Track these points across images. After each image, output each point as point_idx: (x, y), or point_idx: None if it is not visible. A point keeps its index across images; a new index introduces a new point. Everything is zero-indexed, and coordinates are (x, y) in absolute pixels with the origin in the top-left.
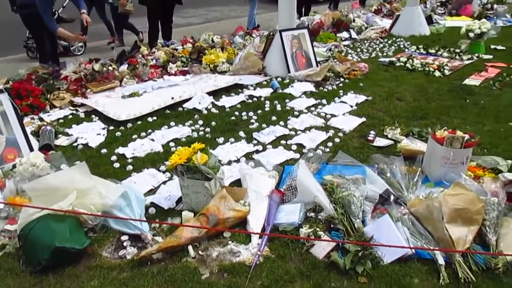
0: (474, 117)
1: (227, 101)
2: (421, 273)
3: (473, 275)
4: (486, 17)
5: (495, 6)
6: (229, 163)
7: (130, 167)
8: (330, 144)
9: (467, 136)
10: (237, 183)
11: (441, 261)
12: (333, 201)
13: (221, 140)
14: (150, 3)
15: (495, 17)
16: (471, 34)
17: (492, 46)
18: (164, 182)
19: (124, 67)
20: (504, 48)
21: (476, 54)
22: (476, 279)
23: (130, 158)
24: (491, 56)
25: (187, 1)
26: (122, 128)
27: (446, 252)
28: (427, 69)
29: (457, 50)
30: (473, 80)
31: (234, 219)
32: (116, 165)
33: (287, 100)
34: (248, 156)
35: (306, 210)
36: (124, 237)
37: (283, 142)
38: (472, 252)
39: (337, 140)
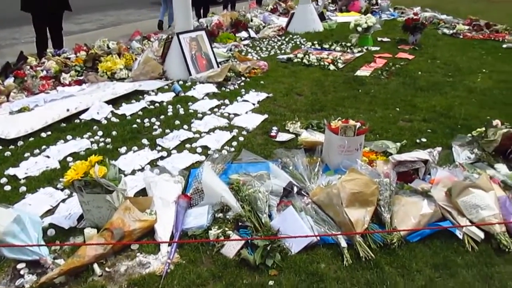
0: (367, 105)
1: (127, 109)
2: (326, 257)
3: (372, 253)
4: (372, 12)
5: (379, 1)
6: (133, 172)
7: (23, 188)
8: (234, 143)
9: (358, 124)
10: (143, 192)
11: (343, 244)
12: (240, 199)
13: (123, 149)
14: (34, 10)
15: (380, 11)
16: (359, 29)
17: (379, 39)
18: (63, 200)
19: (10, 81)
20: (389, 40)
21: (365, 47)
22: (376, 255)
23: (23, 178)
24: (378, 48)
25: (80, 6)
26: (12, 147)
27: (347, 235)
28: (322, 63)
29: (348, 44)
30: (363, 71)
31: (141, 229)
32: (7, 188)
33: (190, 103)
34: (153, 164)
35: (214, 211)
36: (20, 265)
37: (188, 145)
38: (370, 232)
39: (241, 138)
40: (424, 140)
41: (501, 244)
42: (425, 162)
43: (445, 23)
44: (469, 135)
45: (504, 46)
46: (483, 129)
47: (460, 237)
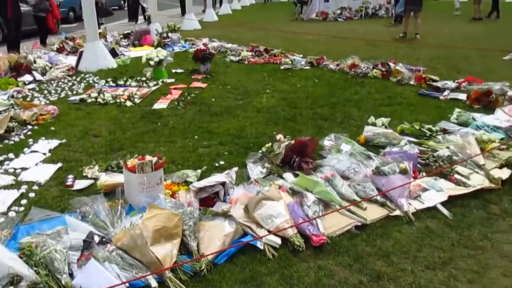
0: (166, 137)
1: None
2: None
3: (184, 285)
4: (165, 45)
5: (170, 34)
6: None
7: None
8: (24, 201)
9: (155, 159)
10: None
11: (153, 283)
12: (34, 264)
13: None
14: None
15: (172, 44)
16: (151, 62)
17: (173, 70)
18: None
19: None
20: (183, 70)
21: (161, 80)
22: (188, 287)
23: None
24: (173, 80)
25: None
26: None
27: (157, 273)
28: (118, 100)
29: (143, 78)
30: (161, 104)
31: None
32: None
33: None
34: None
35: (2, 286)
36: None
37: None
38: (178, 265)
39: (32, 195)
40: (222, 162)
41: (295, 245)
42: (223, 184)
43: (231, 51)
44: (260, 151)
45: (282, 67)
46: (270, 144)
47: (262, 248)
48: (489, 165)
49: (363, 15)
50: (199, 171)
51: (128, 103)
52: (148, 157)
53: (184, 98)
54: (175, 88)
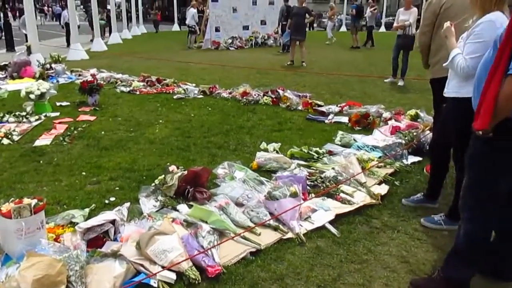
0: (50, 176)
1: None
2: None
3: None
4: (48, 76)
5: (53, 65)
6: None
7: None
8: None
9: (35, 201)
10: None
11: None
12: None
13: None
14: None
15: (56, 75)
16: (32, 96)
17: (58, 103)
18: None
19: None
20: (69, 103)
21: (44, 114)
22: None
23: None
24: (58, 113)
25: None
26: None
27: None
28: None
29: (23, 113)
30: (43, 140)
31: None
32: None
33: None
34: None
35: None
36: None
37: None
38: None
39: None
40: (113, 199)
41: (190, 279)
42: (113, 221)
43: (122, 82)
44: (153, 184)
45: (175, 97)
46: (163, 176)
47: (156, 285)
48: (370, 182)
49: (253, 44)
50: (87, 210)
51: (5, 141)
52: (26, 200)
53: (70, 133)
54: (60, 122)
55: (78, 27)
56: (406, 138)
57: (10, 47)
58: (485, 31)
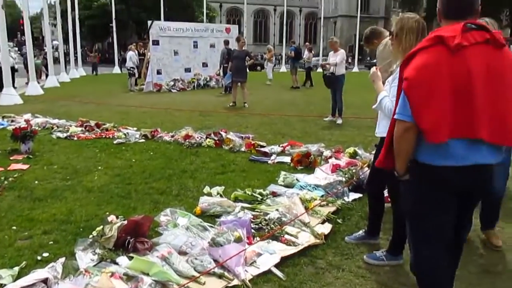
0: None
1: None
2: None
3: None
4: None
5: None
6: None
7: None
8: None
9: None
10: None
11: None
12: None
13: None
14: None
15: None
16: None
17: None
18: None
19: None
20: (0, 151)
21: None
22: None
23: None
24: None
25: None
26: None
27: None
28: None
29: None
30: None
31: None
32: None
33: None
34: None
35: None
36: None
37: None
38: None
39: None
40: (46, 254)
41: None
42: (46, 280)
43: (58, 127)
44: (90, 236)
45: (115, 142)
46: (101, 227)
47: None
48: (313, 221)
49: (195, 86)
50: (16, 269)
51: None
52: None
53: (0, 183)
54: None
55: (15, 70)
56: (346, 175)
57: None
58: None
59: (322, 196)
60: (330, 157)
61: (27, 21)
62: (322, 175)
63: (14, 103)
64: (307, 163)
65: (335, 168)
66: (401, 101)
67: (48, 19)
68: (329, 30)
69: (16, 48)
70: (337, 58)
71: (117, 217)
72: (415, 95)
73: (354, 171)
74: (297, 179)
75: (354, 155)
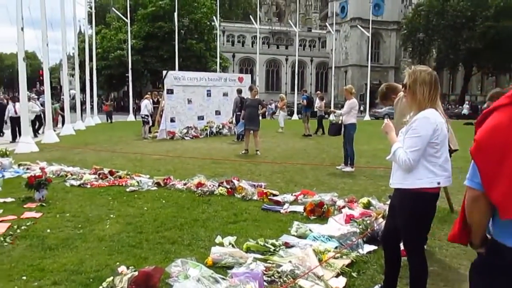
0: None
1: None
2: None
3: None
4: None
5: (0, 159)
6: None
7: None
8: None
9: None
10: None
11: None
12: None
13: None
14: None
15: (2, 170)
16: None
17: (1, 200)
18: None
19: None
20: (13, 199)
21: None
22: None
23: None
24: (1, 211)
25: None
26: None
27: None
28: None
29: None
30: None
31: None
32: None
33: None
34: None
35: None
36: None
37: None
38: None
39: None
40: None
41: None
42: None
43: (72, 175)
44: (100, 287)
45: (128, 190)
46: (111, 278)
47: None
48: (327, 275)
49: (208, 133)
50: None
51: None
52: None
53: (13, 232)
54: (2, 221)
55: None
56: (361, 226)
57: None
58: (420, 127)
59: (336, 247)
60: (344, 207)
61: (47, 72)
62: (335, 226)
63: (31, 151)
64: (320, 213)
65: (349, 219)
66: (472, 165)
67: (67, 69)
68: (340, 79)
69: (37, 97)
70: (344, 107)
71: (127, 268)
72: (484, 160)
73: (368, 222)
74: (310, 230)
75: (368, 205)
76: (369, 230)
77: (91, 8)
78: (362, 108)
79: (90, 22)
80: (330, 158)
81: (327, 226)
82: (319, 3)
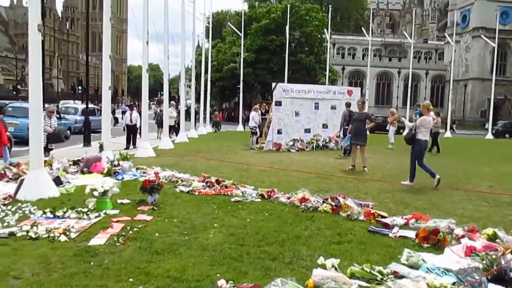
0: (97, 280)
1: None
2: None
3: None
4: (115, 173)
5: (121, 162)
6: None
7: None
8: None
9: None
10: None
11: None
12: None
13: None
14: None
15: (122, 172)
16: (95, 193)
17: (119, 201)
18: None
19: None
20: (129, 201)
21: (104, 211)
22: None
23: None
24: (117, 211)
25: None
26: None
27: None
28: (52, 234)
29: (85, 210)
30: (98, 239)
31: None
32: None
33: None
34: None
35: None
36: None
37: None
38: None
39: None
40: None
41: None
42: None
43: (182, 181)
44: None
45: (232, 200)
46: None
47: None
48: None
49: (314, 146)
50: None
51: (63, 238)
52: None
53: (126, 233)
54: (117, 221)
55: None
56: (484, 262)
57: (87, 142)
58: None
59: (454, 284)
60: (463, 236)
61: (166, 83)
62: (453, 258)
63: (148, 155)
64: (434, 241)
65: (470, 251)
66: None
67: (184, 80)
68: (459, 94)
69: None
70: (416, 121)
71: (227, 282)
72: None
73: (494, 257)
74: (423, 260)
75: (493, 237)
76: (495, 267)
77: (209, 23)
78: (486, 126)
79: (207, 36)
80: (446, 179)
81: (443, 257)
82: (437, 13)
